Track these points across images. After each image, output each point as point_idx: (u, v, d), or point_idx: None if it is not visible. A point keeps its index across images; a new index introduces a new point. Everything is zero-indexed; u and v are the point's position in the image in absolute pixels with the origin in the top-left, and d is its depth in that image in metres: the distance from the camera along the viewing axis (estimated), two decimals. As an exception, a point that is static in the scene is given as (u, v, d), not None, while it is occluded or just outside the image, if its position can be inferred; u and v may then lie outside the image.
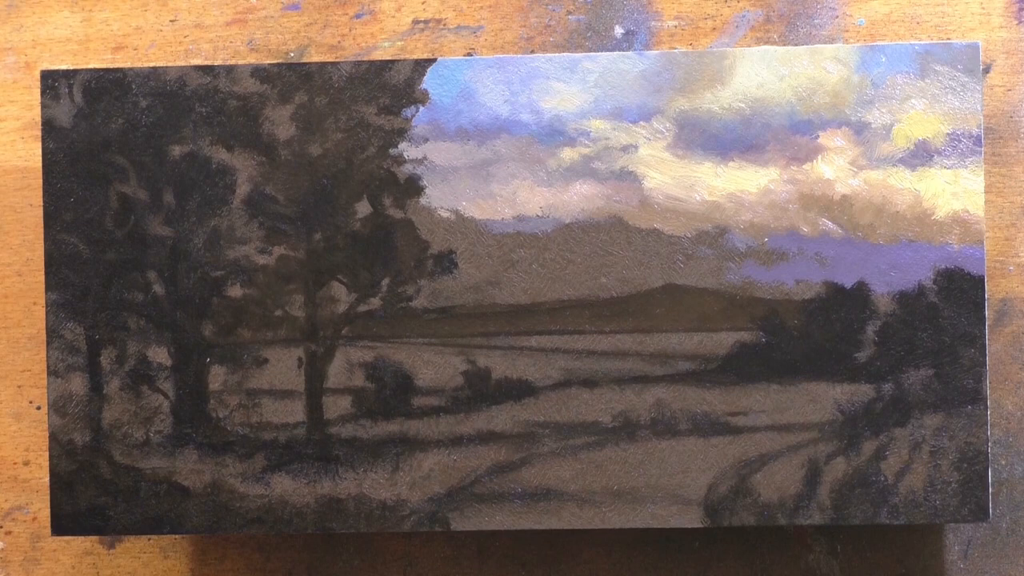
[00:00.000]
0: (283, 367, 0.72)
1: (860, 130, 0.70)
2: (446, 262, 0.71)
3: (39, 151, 0.74)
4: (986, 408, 0.70)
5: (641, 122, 0.71)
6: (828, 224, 0.70)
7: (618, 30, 0.78)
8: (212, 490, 0.72)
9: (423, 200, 0.72)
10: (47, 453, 0.74)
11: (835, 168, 0.70)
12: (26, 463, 0.80)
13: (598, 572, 0.78)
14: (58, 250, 0.72)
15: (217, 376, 0.72)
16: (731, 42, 0.77)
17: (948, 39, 0.76)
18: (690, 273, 0.71)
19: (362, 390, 0.72)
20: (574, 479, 0.71)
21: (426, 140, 0.72)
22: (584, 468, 0.71)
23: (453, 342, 0.71)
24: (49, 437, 0.73)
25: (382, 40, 0.79)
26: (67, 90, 0.72)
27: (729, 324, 0.71)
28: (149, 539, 0.79)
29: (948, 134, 0.70)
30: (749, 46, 0.76)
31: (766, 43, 0.77)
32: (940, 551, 0.76)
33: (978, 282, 0.70)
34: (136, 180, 0.72)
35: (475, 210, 0.71)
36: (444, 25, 0.78)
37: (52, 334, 0.73)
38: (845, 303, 0.70)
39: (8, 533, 0.80)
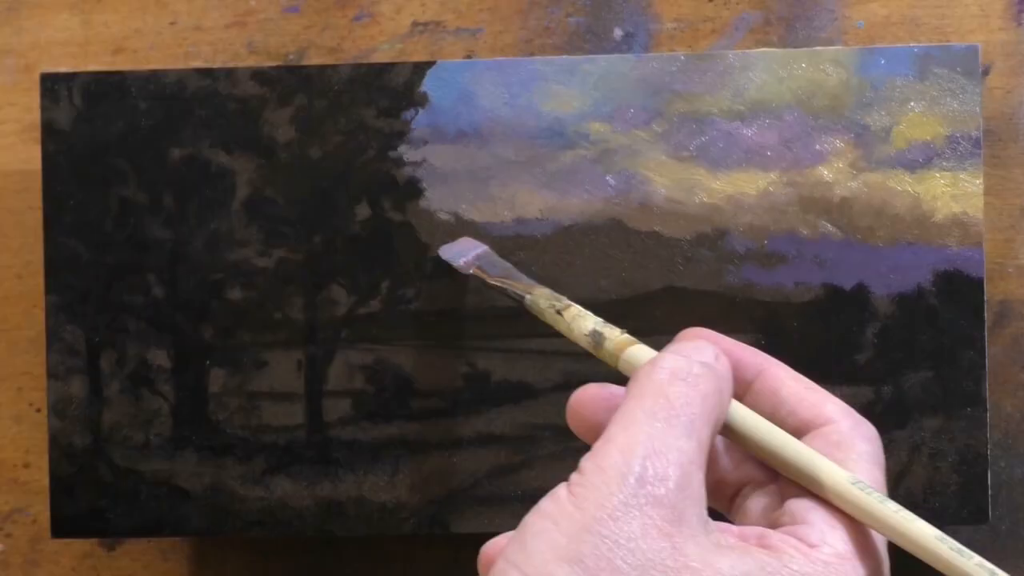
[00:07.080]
0: (283, 370, 0.72)
1: (859, 132, 0.70)
2: (446, 264, 0.71)
3: (39, 154, 0.74)
4: (985, 410, 0.70)
5: (640, 124, 0.71)
6: (828, 226, 0.70)
7: (617, 32, 0.78)
8: (212, 493, 0.72)
9: (423, 203, 0.72)
10: (47, 456, 0.74)
11: (834, 170, 0.70)
12: (26, 465, 0.80)
13: (598, 574, 0.77)
14: (58, 253, 0.72)
15: (217, 379, 0.72)
16: (730, 44, 0.77)
17: (947, 41, 0.76)
18: (690, 275, 0.71)
19: (362, 392, 0.72)
20: (574, 481, 0.71)
21: (425, 143, 0.72)
22: (584, 470, 0.71)
23: (453, 344, 0.71)
24: (49, 440, 0.73)
25: (381, 42, 0.79)
26: (67, 93, 0.72)
27: (729, 326, 0.70)
28: (149, 541, 0.79)
29: (947, 136, 0.70)
30: (748, 48, 0.76)
31: (765, 45, 0.77)
32: (939, 553, 0.76)
33: (977, 284, 0.69)
34: (136, 183, 0.72)
35: (474, 213, 0.71)
36: (443, 27, 0.78)
37: (52, 337, 0.73)
38: (844, 305, 0.70)
39: (8, 536, 0.80)
